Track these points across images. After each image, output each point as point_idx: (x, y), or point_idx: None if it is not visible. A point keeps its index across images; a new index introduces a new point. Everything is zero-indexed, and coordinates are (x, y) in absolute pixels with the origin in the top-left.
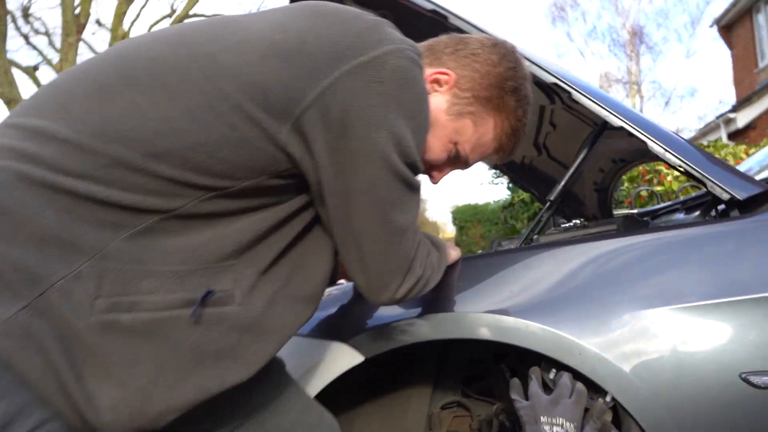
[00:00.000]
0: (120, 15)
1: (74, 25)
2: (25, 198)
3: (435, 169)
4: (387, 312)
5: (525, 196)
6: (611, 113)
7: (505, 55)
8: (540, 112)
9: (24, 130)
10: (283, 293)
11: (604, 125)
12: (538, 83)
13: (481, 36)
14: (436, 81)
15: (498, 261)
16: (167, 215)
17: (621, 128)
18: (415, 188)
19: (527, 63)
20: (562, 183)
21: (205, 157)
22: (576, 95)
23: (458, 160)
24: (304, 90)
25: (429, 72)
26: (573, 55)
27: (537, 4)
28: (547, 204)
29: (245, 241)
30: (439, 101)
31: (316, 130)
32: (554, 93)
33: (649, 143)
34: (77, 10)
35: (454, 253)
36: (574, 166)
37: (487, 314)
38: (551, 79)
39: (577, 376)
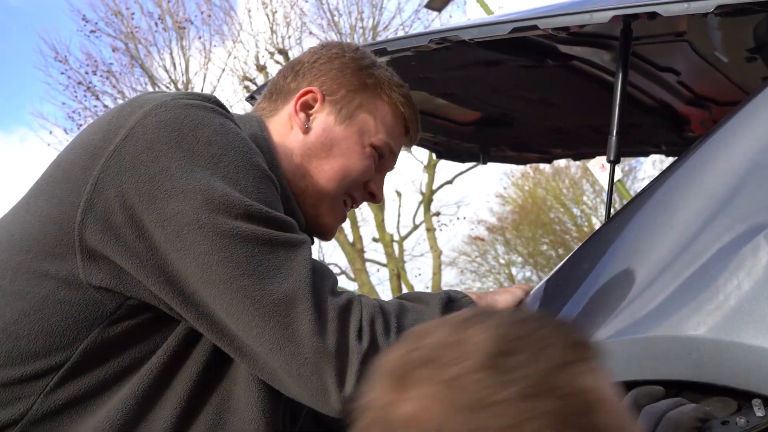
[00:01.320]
0: None
1: None
2: None
3: (371, 184)
4: None
5: None
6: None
7: (342, 45)
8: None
9: None
10: None
11: (627, 26)
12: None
13: (306, 50)
14: (306, 105)
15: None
16: (19, 428)
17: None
18: (275, 241)
19: None
20: (614, 134)
21: (11, 342)
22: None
23: (384, 159)
24: (71, 208)
25: (288, 108)
26: None
27: None
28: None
29: (126, 413)
30: (323, 119)
31: (107, 242)
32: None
33: None
34: None
35: (504, 297)
36: (616, 100)
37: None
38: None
39: None
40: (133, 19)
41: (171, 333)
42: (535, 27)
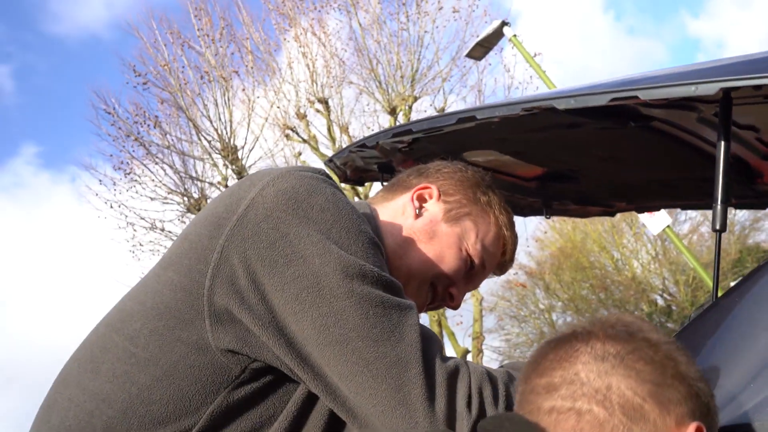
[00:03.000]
0: None
1: None
2: None
3: (454, 288)
4: None
5: None
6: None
7: (467, 165)
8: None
9: None
10: None
11: (728, 95)
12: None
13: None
14: (421, 198)
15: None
16: None
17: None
18: (387, 304)
19: None
20: (719, 202)
21: (145, 408)
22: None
23: (473, 271)
24: (200, 276)
25: (405, 197)
26: None
27: None
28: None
29: None
30: (434, 212)
31: (234, 305)
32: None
33: None
34: None
35: None
36: (720, 169)
37: None
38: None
39: None
40: (182, 72)
41: (290, 398)
42: (636, 97)
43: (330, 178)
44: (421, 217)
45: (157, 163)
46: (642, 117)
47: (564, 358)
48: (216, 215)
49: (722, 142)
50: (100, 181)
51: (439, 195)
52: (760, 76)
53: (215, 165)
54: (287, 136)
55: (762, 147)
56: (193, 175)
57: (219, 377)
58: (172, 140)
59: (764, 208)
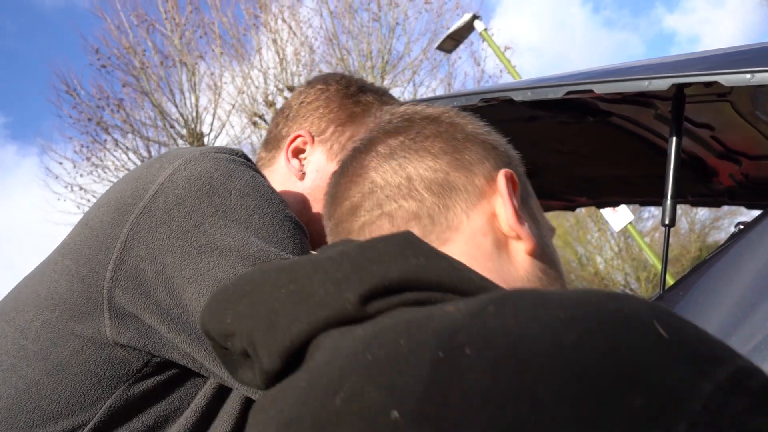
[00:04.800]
0: None
1: None
2: None
3: None
4: None
5: None
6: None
7: (326, 78)
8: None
9: None
10: None
11: (680, 91)
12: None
13: (294, 92)
14: (297, 150)
15: None
16: None
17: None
18: None
19: None
20: (669, 198)
21: (34, 403)
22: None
23: None
24: (100, 267)
25: (283, 155)
26: None
27: None
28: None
29: None
30: (317, 161)
31: (138, 301)
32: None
33: None
34: None
35: None
36: (670, 165)
37: None
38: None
39: None
40: (145, 55)
41: (198, 391)
42: (591, 91)
43: (249, 160)
44: (307, 174)
45: (120, 147)
46: (601, 112)
47: (355, 175)
48: (120, 201)
49: (674, 138)
50: (61, 163)
51: (312, 138)
52: (712, 72)
53: None
54: (255, 123)
55: (717, 146)
56: None
57: (117, 371)
58: (136, 125)
59: (719, 206)
